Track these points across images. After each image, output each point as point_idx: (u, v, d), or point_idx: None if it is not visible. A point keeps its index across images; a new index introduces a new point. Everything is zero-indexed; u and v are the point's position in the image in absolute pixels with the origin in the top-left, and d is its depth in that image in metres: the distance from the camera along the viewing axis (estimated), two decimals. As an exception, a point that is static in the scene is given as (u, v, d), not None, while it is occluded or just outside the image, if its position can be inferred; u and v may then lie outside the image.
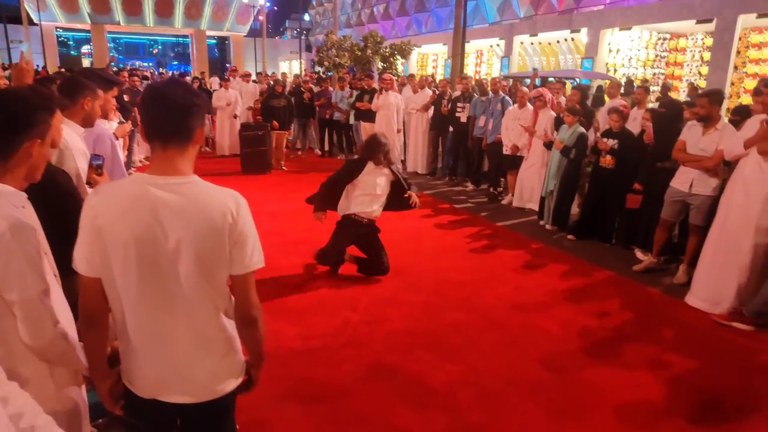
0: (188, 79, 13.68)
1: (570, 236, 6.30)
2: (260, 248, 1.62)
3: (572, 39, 19.74)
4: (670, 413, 3.06)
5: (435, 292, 4.63)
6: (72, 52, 45.00)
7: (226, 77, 11.77)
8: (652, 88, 15.25)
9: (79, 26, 36.56)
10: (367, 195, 4.80)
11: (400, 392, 3.16)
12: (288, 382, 3.24)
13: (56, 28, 36.68)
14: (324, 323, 4.02)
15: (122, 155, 4.00)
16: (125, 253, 1.48)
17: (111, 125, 3.70)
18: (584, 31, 18.38)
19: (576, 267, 5.40)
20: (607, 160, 5.93)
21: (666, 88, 9.86)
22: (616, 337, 3.95)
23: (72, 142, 2.49)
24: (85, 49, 43.89)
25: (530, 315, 4.25)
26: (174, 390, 1.60)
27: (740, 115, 4.78)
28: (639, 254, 5.65)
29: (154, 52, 51.10)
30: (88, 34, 37.56)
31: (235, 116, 11.16)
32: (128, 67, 22.90)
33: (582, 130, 6.30)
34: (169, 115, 1.51)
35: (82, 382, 1.77)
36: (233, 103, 11.14)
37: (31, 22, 30.81)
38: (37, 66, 23.80)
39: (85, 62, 42.49)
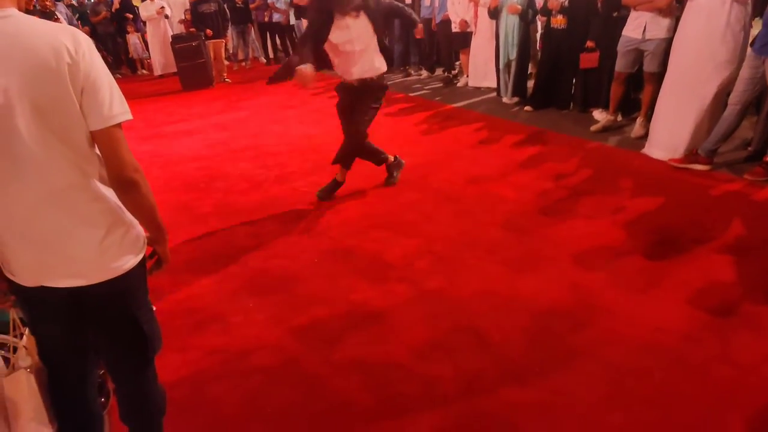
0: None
1: (527, 107, 6.12)
2: (121, 97, 1.34)
3: None
4: (629, 252, 3.05)
5: (390, 176, 4.47)
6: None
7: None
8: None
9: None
10: (342, 55, 3.76)
11: (358, 271, 3.08)
12: (242, 278, 3.12)
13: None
14: (277, 219, 3.86)
15: None
16: None
17: None
18: None
19: (533, 136, 5.26)
20: (558, 20, 5.63)
21: None
22: (573, 194, 3.89)
23: None
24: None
25: (485, 185, 4.14)
26: (60, 272, 1.39)
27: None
28: (596, 115, 5.52)
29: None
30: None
31: (166, 16, 10.20)
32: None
33: (528, -11, 5.96)
34: None
35: None
36: (163, 23, 10.17)
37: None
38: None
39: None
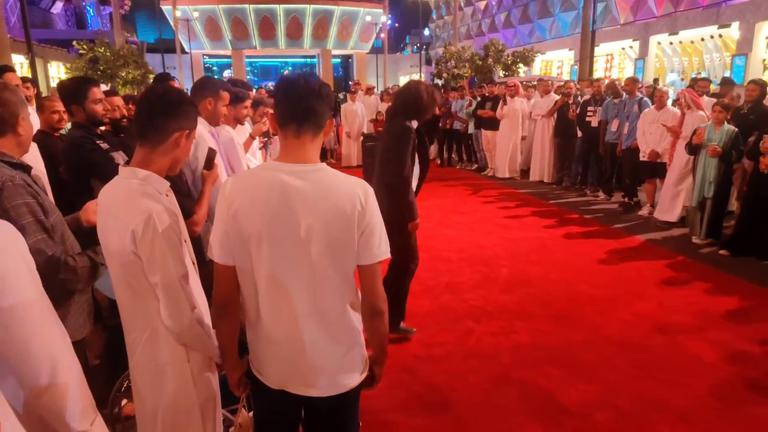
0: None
1: (723, 251, 5.57)
2: (386, 238, 1.58)
3: (720, 35, 17.82)
4: None
5: (565, 305, 4.32)
6: (216, 77, 49.79)
7: (351, 90, 12.16)
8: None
9: (221, 53, 40.47)
10: None
11: (530, 409, 2.96)
12: (413, 388, 3.18)
13: (203, 55, 40.94)
14: (447, 331, 3.92)
15: (257, 159, 4.25)
16: (258, 240, 1.50)
17: (245, 128, 3.94)
18: (735, 25, 16.50)
19: (732, 285, 4.74)
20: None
21: None
22: (788, 367, 3.38)
23: (201, 130, 2.69)
24: (226, 73, 48.44)
25: (677, 336, 3.78)
26: (302, 382, 1.59)
27: None
28: (813, 274, 4.83)
29: (285, 73, 55.02)
30: (229, 60, 41.44)
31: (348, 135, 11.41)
32: (264, 86, 24.94)
33: (733, 128, 5.61)
34: (304, 101, 1.51)
35: (215, 369, 1.80)
36: (360, 118, 11.39)
37: (183, 51, 34.68)
38: (187, 89, 26.68)
39: (227, 85, 46.92)
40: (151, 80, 14.66)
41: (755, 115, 6.02)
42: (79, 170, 2.77)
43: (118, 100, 3.25)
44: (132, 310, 1.65)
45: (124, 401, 2.51)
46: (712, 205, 5.81)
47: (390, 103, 10.78)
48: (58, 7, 38.17)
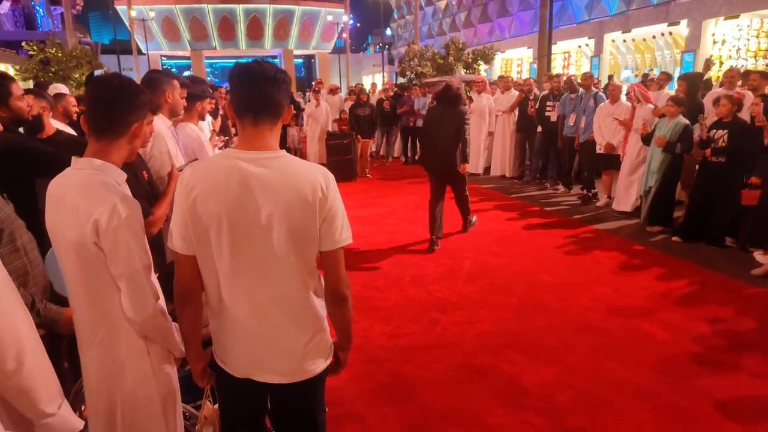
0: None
1: (675, 238, 5.82)
2: (348, 224, 1.60)
3: (670, 33, 18.50)
4: (806, 428, 2.69)
5: (526, 293, 4.44)
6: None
7: (315, 89, 12.08)
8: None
9: (180, 53, 39.59)
10: None
11: (493, 393, 3.04)
12: (379, 378, 3.22)
13: (161, 56, 39.97)
14: (412, 323, 3.98)
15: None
16: (218, 227, 1.49)
17: (204, 124, 3.93)
18: (684, 23, 17.15)
19: (683, 270, 4.96)
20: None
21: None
22: (734, 344, 3.56)
23: (161, 127, 2.67)
24: (186, 74, 47.40)
25: (632, 318, 3.94)
26: (267, 369, 1.60)
27: None
28: (759, 257, 5.08)
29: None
30: (188, 61, 40.58)
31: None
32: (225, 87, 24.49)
33: (685, 121, 5.83)
34: (261, 89, 1.50)
35: (175, 364, 1.78)
36: (325, 117, 11.33)
37: (140, 52, 33.78)
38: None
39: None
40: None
41: (687, 108, 6.28)
42: (22, 173, 2.55)
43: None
44: (88, 305, 1.61)
45: (83, 407, 2.46)
46: (655, 194, 6.05)
47: (352, 101, 10.90)
48: (5, 7, 36.65)
